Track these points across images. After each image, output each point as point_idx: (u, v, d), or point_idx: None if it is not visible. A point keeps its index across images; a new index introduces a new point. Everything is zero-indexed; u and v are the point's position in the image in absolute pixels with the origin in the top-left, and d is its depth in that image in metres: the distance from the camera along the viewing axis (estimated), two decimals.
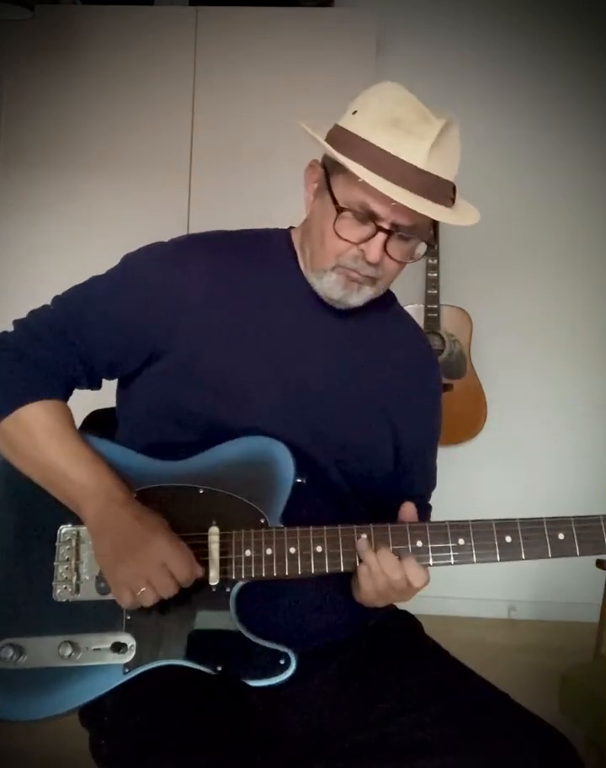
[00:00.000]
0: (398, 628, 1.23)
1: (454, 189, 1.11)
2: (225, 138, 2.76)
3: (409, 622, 1.25)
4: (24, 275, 2.77)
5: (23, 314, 1.22)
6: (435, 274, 2.97)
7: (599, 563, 1.96)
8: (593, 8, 3.07)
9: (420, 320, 2.97)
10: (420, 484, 1.18)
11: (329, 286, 1.13)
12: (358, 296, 1.14)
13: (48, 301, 1.21)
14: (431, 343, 2.92)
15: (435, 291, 2.97)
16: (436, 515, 1.21)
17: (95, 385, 1.20)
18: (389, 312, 1.29)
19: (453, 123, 1.07)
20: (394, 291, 1.30)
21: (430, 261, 2.98)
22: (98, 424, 1.31)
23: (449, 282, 3.03)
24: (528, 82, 3.10)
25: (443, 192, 1.07)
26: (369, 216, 1.07)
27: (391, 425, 1.23)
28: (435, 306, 2.97)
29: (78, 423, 1.35)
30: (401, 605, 1.28)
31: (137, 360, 1.17)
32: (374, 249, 1.07)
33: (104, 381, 1.23)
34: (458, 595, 3.09)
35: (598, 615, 1.93)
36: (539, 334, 3.13)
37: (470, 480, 2.96)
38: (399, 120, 1.04)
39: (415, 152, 1.03)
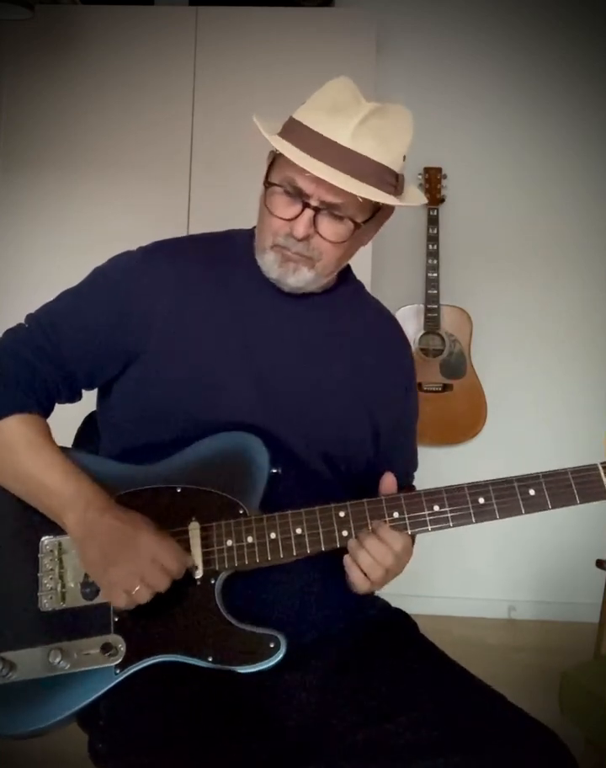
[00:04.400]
0: (393, 626, 1.24)
1: (396, 176, 1.14)
2: (225, 138, 2.75)
3: (404, 620, 1.26)
4: (24, 276, 2.76)
5: (22, 315, 1.25)
6: (435, 274, 2.97)
7: (599, 563, 1.96)
8: (594, 8, 3.07)
9: (420, 320, 2.97)
10: (401, 465, 1.19)
11: (268, 266, 1.18)
12: (295, 277, 1.17)
13: (53, 298, 1.25)
14: (431, 343, 2.95)
15: (435, 291, 2.97)
16: None
17: (76, 396, 1.24)
18: (356, 299, 1.33)
19: (394, 111, 1.12)
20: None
21: (430, 261, 2.98)
22: (93, 424, 1.33)
23: (449, 282, 3.02)
24: (529, 81, 3.10)
25: (373, 173, 1.10)
26: (298, 194, 1.12)
27: (367, 408, 1.25)
28: (435, 306, 2.97)
29: (73, 429, 1.38)
30: (396, 602, 1.29)
31: (115, 366, 1.20)
32: (299, 225, 1.12)
33: (85, 393, 1.26)
34: (458, 595, 3.09)
35: (598, 615, 1.92)
36: (540, 334, 3.13)
37: (470, 480, 2.95)
38: (333, 105, 1.11)
39: (339, 130, 1.08)
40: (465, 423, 3.00)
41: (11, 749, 1.84)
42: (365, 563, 1.07)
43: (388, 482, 1.12)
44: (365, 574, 1.08)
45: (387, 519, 1.07)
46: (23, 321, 1.23)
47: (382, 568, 1.07)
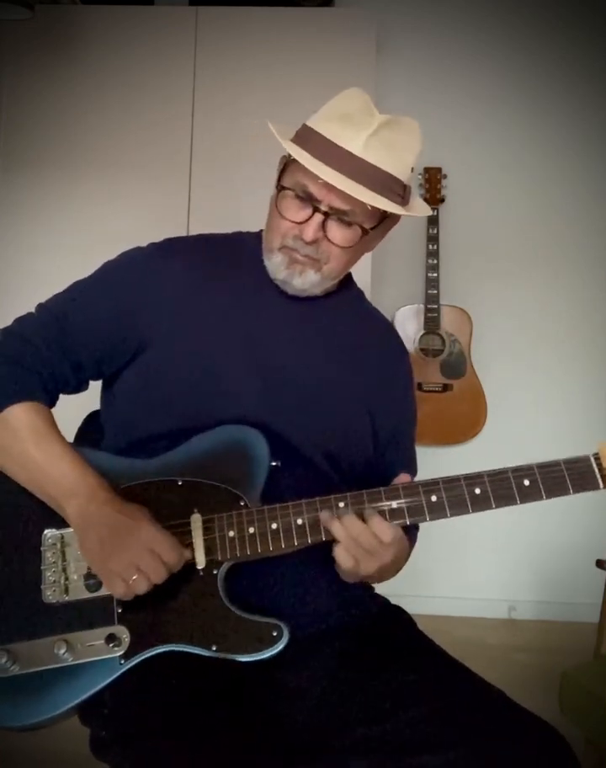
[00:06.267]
0: (392, 622, 1.24)
1: (404, 187, 1.17)
2: (226, 138, 2.76)
3: (402, 616, 1.27)
4: (24, 276, 2.77)
5: (22, 314, 1.25)
6: (435, 274, 2.97)
7: (599, 563, 1.96)
8: (594, 8, 3.07)
9: (420, 320, 2.98)
10: (401, 469, 1.19)
11: (275, 267, 1.20)
12: (302, 279, 1.19)
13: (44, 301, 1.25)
14: (431, 343, 2.95)
15: (435, 291, 2.97)
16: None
17: (83, 385, 1.25)
18: (357, 304, 1.36)
19: (404, 123, 1.15)
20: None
21: (430, 261, 2.98)
22: (95, 423, 1.33)
23: (449, 282, 3.03)
24: (529, 81, 3.10)
25: (382, 183, 1.13)
26: (309, 198, 1.15)
27: (368, 408, 1.28)
28: (435, 306, 2.97)
29: (74, 428, 1.37)
30: (395, 602, 1.29)
31: (122, 356, 1.21)
32: (308, 228, 1.15)
33: (90, 385, 1.27)
34: (458, 595, 3.09)
35: (598, 615, 1.92)
36: (540, 334, 3.13)
37: None
38: (346, 115, 1.14)
39: (352, 139, 1.12)
40: (465, 423, 3.00)
41: (11, 747, 1.84)
42: (339, 535, 1.05)
43: (403, 480, 1.12)
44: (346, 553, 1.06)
45: (386, 509, 1.08)
46: (33, 310, 1.23)
47: (356, 544, 1.05)
